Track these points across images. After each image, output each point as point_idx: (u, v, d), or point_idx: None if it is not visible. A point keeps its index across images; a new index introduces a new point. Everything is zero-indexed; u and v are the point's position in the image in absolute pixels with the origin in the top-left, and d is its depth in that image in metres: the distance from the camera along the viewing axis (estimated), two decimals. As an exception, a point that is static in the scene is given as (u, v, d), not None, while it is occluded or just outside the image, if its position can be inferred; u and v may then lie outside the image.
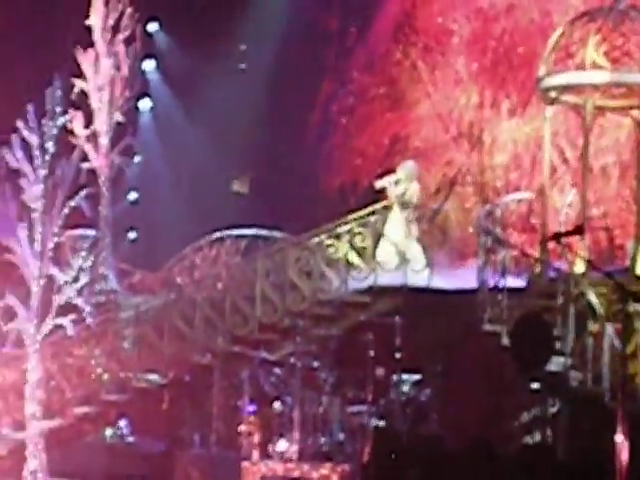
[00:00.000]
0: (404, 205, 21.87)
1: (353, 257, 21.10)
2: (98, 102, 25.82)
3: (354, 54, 28.82)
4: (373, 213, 21.48)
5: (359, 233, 21.25)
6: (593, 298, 17.69)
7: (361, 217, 21.58)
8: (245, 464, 20.73)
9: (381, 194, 22.51)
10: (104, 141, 25.74)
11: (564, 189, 22.89)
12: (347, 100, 28.92)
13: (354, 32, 28.74)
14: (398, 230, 21.44)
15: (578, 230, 16.77)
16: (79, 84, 25.49)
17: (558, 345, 17.79)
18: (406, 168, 22.46)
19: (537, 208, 21.87)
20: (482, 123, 26.84)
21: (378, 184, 22.59)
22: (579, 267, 18.64)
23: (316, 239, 21.39)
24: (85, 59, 25.85)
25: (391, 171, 24.42)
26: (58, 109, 21.46)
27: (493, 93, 26.98)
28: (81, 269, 21.44)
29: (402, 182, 22.14)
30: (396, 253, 21.19)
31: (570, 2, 25.07)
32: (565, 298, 18.07)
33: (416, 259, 21.17)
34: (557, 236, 16.73)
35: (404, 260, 20.99)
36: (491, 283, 18.84)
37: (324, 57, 29.01)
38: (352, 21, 28.95)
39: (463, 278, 19.99)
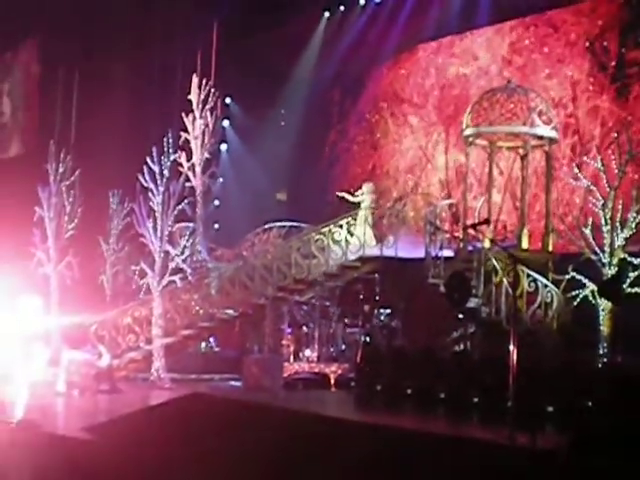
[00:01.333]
0: (366, 209, 22.42)
1: (350, 239, 21.65)
2: (195, 146, 25.47)
3: (349, 115, 29.61)
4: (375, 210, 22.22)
5: (353, 224, 21.90)
6: (495, 262, 18.46)
7: (354, 214, 22.22)
8: (285, 363, 21.87)
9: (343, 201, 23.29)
10: (199, 169, 25.43)
11: (477, 197, 23.23)
12: (344, 143, 29.65)
13: (349, 101, 29.56)
14: (362, 225, 21.95)
15: (485, 222, 18.51)
16: (184, 135, 25.22)
17: (474, 291, 18.40)
18: (367, 186, 23.22)
19: (460, 209, 21.99)
20: (428, 156, 27.11)
21: (339, 194, 23.51)
22: (486, 244, 18.89)
23: (327, 228, 21.78)
24: (188, 120, 25.57)
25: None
26: (171, 150, 21.98)
27: (433, 139, 27.20)
28: (185, 247, 21.74)
29: (365, 194, 22.79)
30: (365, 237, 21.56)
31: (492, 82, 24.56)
32: (478, 262, 18.80)
33: (371, 242, 21.64)
34: (473, 225, 18.55)
35: (366, 242, 21.41)
36: (433, 254, 19.41)
37: (331, 116, 29.83)
38: (348, 94, 29.48)
39: (416, 251, 20.20)
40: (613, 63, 22.95)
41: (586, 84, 23.44)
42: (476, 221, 19.14)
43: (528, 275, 18.18)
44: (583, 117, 22.72)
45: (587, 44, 23.73)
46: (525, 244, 19.68)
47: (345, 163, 29.48)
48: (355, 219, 22.09)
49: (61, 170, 24.13)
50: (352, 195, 23.28)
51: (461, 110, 23.82)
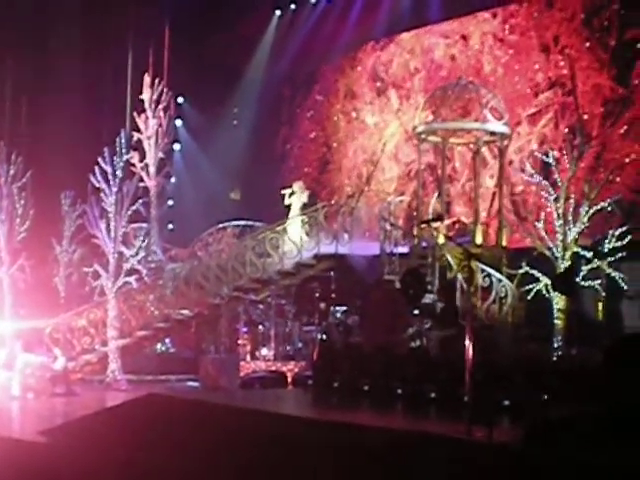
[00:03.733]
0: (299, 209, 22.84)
1: (304, 237, 22.11)
2: (148, 146, 25.83)
3: (300, 112, 29.94)
4: (317, 210, 22.22)
5: (308, 222, 22.34)
6: (450, 258, 18.69)
7: (309, 212, 22.62)
8: (242, 363, 22.21)
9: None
10: (152, 169, 25.81)
11: (428, 194, 23.43)
12: (296, 141, 29.91)
13: (300, 98, 29.93)
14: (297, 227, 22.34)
15: (439, 218, 19.00)
16: (137, 135, 25.60)
17: (429, 287, 18.68)
18: (298, 185, 23.62)
19: (413, 205, 22.75)
20: (380, 152, 27.33)
21: (286, 202, 23.45)
22: (441, 240, 19.29)
23: (282, 226, 22.17)
24: (140, 119, 25.93)
25: (321, 183, 26.92)
26: (124, 150, 21.82)
27: (386, 134, 27.27)
28: (140, 247, 21.82)
29: (296, 193, 23.22)
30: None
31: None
32: (433, 259, 19.10)
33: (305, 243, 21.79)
34: (427, 221, 18.88)
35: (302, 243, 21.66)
36: (388, 250, 19.77)
37: (282, 114, 30.16)
38: (299, 91, 29.95)
39: (371, 248, 20.54)
40: (613, 42, 22.34)
41: (586, 62, 22.68)
42: (430, 217, 19.78)
43: (482, 270, 18.31)
44: (582, 96, 22.07)
45: (585, 20, 23.07)
46: (479, 239, 19.84)
47: (296, 160, 29.76)
48: (310, 217, 22.38)
49: (12, 172, 23.91)
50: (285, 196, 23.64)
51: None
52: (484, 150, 21.31)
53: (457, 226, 22.17)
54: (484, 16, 25.47)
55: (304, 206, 23.33)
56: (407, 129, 25.28)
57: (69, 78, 29.18)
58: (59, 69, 29.19)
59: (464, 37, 25.87)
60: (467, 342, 11.41)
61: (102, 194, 21.50)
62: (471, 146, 21.37)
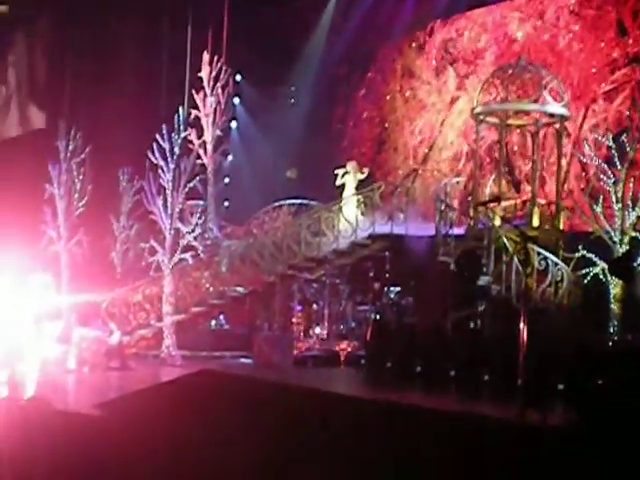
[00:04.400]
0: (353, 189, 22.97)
1: (360, 216, 22.04)
2: (206, 123, 25.97)
3: (356, 91, 29.73)
4: (373, 190, 22.33)
5: (363, 202, 22.45)
6: (506, 240, 18.24)
7: (364, 192, 22.65)
8: (295, 341, 22.31)
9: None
10: (210, 147, 25.93)
11: (485, 175, 23.16)
12: (352, 120, 29.75)
13: (357, 77, 29.66)
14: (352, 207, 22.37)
15: (496, 199, 18.99)
16: (194, 112, 25.90)
17: (484, 269, 18.43)
18: (352, 165, 23.71)
19: (469, 186, 22.63)
20: (436, 133, 27.23)
21: (338, 182, 23.60)
22: (497, 221, 19.04)
23: (337, 206, 22.29)
24: (198, 97, 26.08)
25: (377, 163, 26.81)
26: (182, 127, 21.97)
27: (443, 115, 27.13)
28: (196, 224, 21.82)
29: (350, 173, 23.33)
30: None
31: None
32: (489, 241, 18.73)
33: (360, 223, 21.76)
34: (483, 203, 18.80)
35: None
36: (443, 232, 19.59)
37: (338, 93, 29.90)
38: (356, 70, 29.67)
39: (426, 229, 20.46)
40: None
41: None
42: (487, 198, 19.86)
43: (538, 253, 18.11)
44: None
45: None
46: (536, 222, 19.65)
47: (352, 140, 29.58)
48: (365, 197, 22.41)
49: (71, 147, 24.14)
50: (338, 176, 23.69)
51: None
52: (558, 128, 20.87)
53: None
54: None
55: (359, 185, 23.37)
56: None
57: (128, 56, 29.45)
58: (119, 47, 29.40)
59: (539, 11, 25.23)
60: (522, 325, 11.35)
61: (160, 171, 21.60)
62: (530, 128, 21.33)
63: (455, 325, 18.82)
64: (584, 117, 21.79)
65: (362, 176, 23.66)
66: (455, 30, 27.11)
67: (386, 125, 28.95)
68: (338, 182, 23.65)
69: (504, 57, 25.16)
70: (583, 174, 22.06)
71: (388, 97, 28.99)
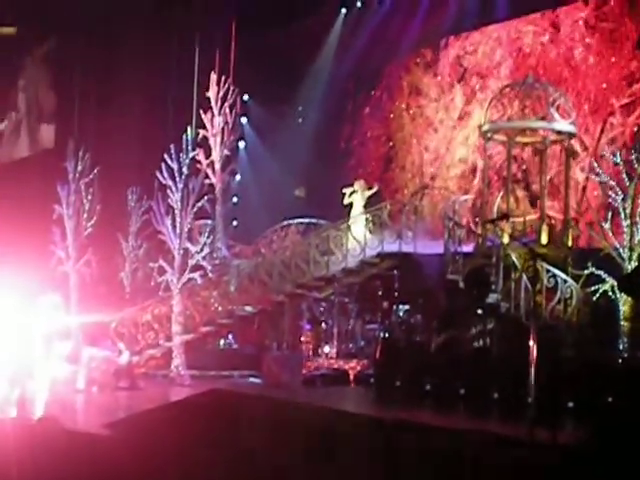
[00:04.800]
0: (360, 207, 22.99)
1: (368, 234, 22.00)
2: (214, 143, 25.97)
3: (363, 108, 29.67)
4: (381, 208, 22.31)
5: (372, 220, 22.36)
6: (514, 258, 18.53)
7: (373, 210, 22.61)
8: (304, 360, 22.07)
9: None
10: (218, 166, 25.93)
11: (493, 193, 22.95)
12: (359, 137, 29.75)
13: (363, 94, 29.71)
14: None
15: (505, 217, 18.95)
16: (202, 132, 25.89)
17: (493, 287, 18.58)
18: (359, 183, 23.74)
19: (477, 204, 22.67)
20: (443, 150, 27.20)
21: (345, 201, 23.65)
22: (505, 239, 19.13)
23: (346, 224, 22.28)
24: (206, 117, 26.08)
25: (385, 181, 26.81)
26: (190, 147, 22.02)
27: (449, 133, 27.15)
28: (205, 243, 21.91)
29: (358, 192, 23.35)
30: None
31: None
32: (497, 258, 18.91)
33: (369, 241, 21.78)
34: (492, 220, 18.82)
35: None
36: (452, 249, 19.67)
37: (345, 112, 30.00)
38: (363, 87, 29.76)
39: (435, 246, 20.53)
40: None
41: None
42: (495, 216, 19.78)
43: (547, 270, 18.17)
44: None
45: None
46: (544, 239, 19.62)
47: (359, 158, 29.62)
48: (374, 215, 22.43)
49: (80, 168, 24.21)
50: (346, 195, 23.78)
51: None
52: (573, 142, 20.97)
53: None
54: (576, 4, 24.57)
55: (367, 204, 23.42)
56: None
57: (136, 76, 29.54)
58: (126, 68, 29.56)
59: (554, 25, 24.99)
60: (531, 343, 11.31)
61: (168, 190, 21.69)
62: (538, 145, 21.30)
63: (466, 344, 18.81)
64: (601, 131, 21.63)
65: (370, 192, 23.75)
66: (470, 44, 27.08)
67: (393, 143, 28.99)
68: (346, 201, 23.75)
69: (519, 71, 25.14)
70: (594, 192, 22.07)
71: (395, 115, 29.02)
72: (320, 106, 30.10)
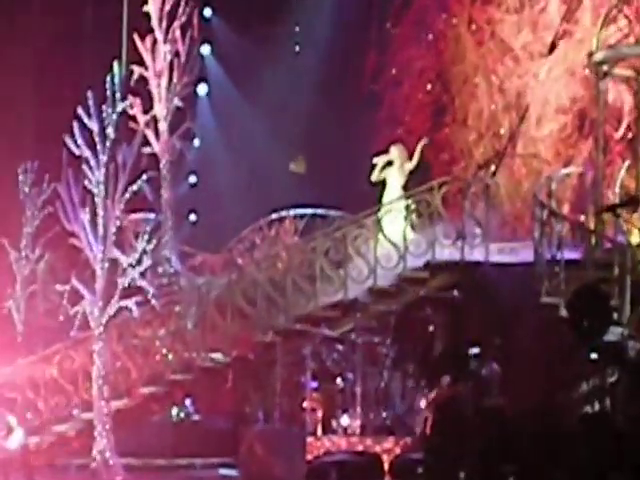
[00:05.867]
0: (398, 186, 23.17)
1: (409, 233, 22.04)
2: (157, 88, 26.28)
3: (398, 28, 28.93)
4: (431, 189, 22.16)
5: (415, 210, 22.33)
6: None
7: (415, 194, 22.51)
8: (309, 439, 21.99)
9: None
10: (163, 126, 26.25)
11: (613, 161, 23.07)
12: (391, 75, 28.89)
13: (397, 5, 28.83)
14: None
15: (633, 202, 18.84)
16: (138, 70, 26.05)
17: (615, 315, 17.91)
18: (398, 149, 23.87)
19: (587, 181, 21.96)
20: (530, 94, 26.77)
21: (374, 178, 23.79)
22: (636, 238, 19.48)
23: (373, 217, 22.27)
24: (144, 46, 26.22)
25: (436, 146, 26.42)
26: (118, 95, 22.04)
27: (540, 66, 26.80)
28: (144, 252, 22.00)
29: (395, 163, 23.58)
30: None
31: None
32: (621, 269, 18.78)
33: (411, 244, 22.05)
34: (612, 207, 18.69)
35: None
36: (547, 256, 19.78)
37: (369, 31, 29.12)
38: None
39: (519, 251, 20.99)
40: None
41: None
42: (617, 201, 20.09)
43: None
44: None
45: None
46: (700, 238, 19.71)
47: (393, 107, 29.09)
48: (418, 202, 22.42)
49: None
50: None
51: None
52: None
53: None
54: None
55: (408, 183, 23.60)
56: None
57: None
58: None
59: None
60: None
61: (84, 167, 21.95)
62: None
63: (570, 407, 18.67)
64: None
65: (414, 163, 23.78)
66: None
67: (446, 83, 28.67)
68: (374, 177, 23.72)
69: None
70: None
71: (449, 37, 28.63)
72: (329, 24, 30.44)
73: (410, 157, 24.02)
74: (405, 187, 23.54)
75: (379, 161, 23.86)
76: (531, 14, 27.41)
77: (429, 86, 28.96)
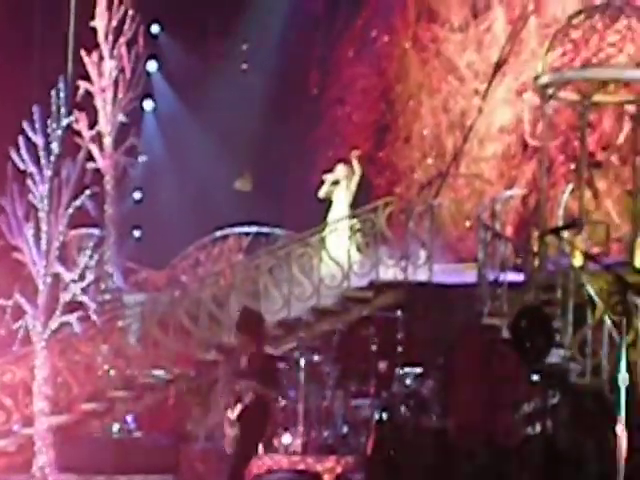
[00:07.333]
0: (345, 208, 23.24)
1: (354, 252, 22.14)
2: (102, 103, 26.06)
3: (341, 44, 29.52)
4: (376, 209, 22.17)
5: (359, 229, 22.39)
6: (592, 291, 18.43)
7: (361, 214, 22.56)
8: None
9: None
10: (108, 141, 26.04)
11: (556, 183, 23.32)
12: (335, 91, 29.47)
13: (340, 22, 29.45)
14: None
15: (576, 224, 18.92)
16: (84, 85, 25.78)
17: (558, 337, 18.40)
18: (343, 170, 23.86)
19: (531, 202, 22.67)
20: (473, 114, 26.99)
21: (321, 194, 23.89)
22: (577, 260, 19.21)
23: (318, 235, 22.37)
24: (90, 61, 26.00)
25: (378, 164, 26.92)
26: (63, 110, 21.97)
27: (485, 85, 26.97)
28: (87, 267, 22.03)
29: (342, 182, 23.65)
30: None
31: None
32: (564, 291, 18.93)
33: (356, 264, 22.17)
34: (556, 230, 18.77)
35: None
36: (490, 277, 19.78)
37: (314, 49, 29.69)
38: (339, 11, 29.60)
39: (462, 272, 21.19)
40: None
41: None
42: (561, 223, 20.27)
43: (647, 311, 18.20)
44: None
45: None
46: (640, 260, 19.83)
47: (337, 123, 29.57)
48: (364, 221, 22.48)
49: None
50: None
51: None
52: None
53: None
54: None
55: (354, 202, 23.62)
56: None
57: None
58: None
59: None
60: (619, 429, 11.33)
61: (28, 181, 21.80)
62: (629, 108, 21.65)
63: (513, 430, 18.95)
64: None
65: (357, 177, 23.82)
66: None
67: (393, 101, 28.95)
68: (322, 194, 23.90)
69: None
70: None
71: (394, 55, 29.00)
72: (277, 43, 30.54)
73: (354, 172, 24.02)
74: (352, 205, 23.57)
75: (328, 178, 23.97)
76: (476, 33, 27.75)
77: (372, 104, 29.02)
